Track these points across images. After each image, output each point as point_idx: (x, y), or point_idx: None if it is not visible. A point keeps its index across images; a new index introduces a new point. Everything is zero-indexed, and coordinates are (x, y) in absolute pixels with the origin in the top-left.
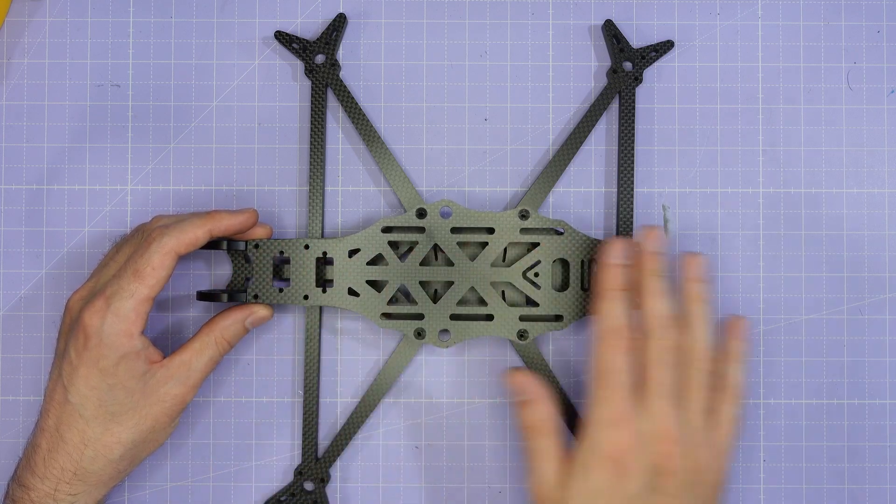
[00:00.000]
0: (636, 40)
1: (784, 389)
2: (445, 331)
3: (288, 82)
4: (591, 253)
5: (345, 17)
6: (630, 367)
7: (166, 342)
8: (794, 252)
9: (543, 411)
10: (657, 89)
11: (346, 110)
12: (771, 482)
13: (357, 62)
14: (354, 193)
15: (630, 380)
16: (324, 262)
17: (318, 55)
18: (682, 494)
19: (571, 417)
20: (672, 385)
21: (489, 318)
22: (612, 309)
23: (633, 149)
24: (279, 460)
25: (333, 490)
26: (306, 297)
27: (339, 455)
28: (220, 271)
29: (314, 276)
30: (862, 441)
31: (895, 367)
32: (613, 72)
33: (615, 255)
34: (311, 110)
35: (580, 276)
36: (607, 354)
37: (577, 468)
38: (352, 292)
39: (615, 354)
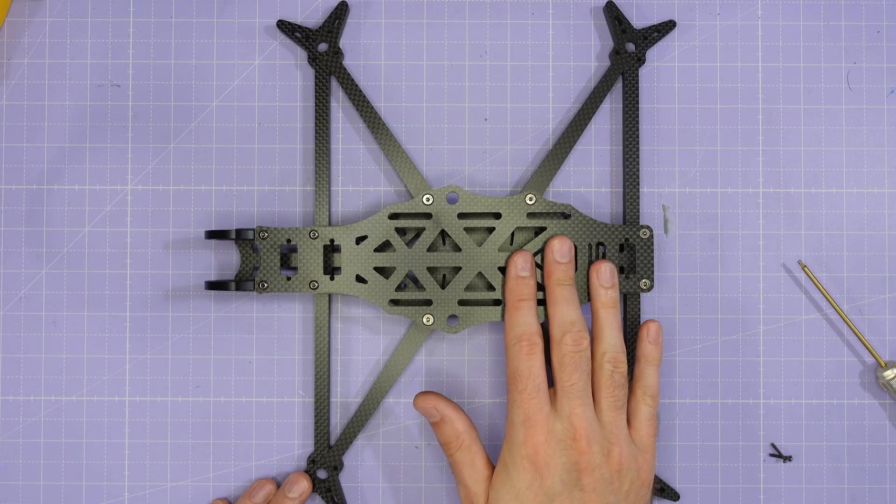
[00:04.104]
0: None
1: (784, 389)
2: (454, 316)
3: (289, 82)
4: (598, 236)
5: (346, 6)
6: (541, 371)
7: (165, 339)
8: (793, 252)
9: (455, 427)
10: (657, 89)
11: (349, 97)
12: (771, 482)
13: (357, 62)
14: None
15: (542, 383)
16: (331, 249)
17: (320, 43)
18: (602, 490)
19: None
20: (582, 386)
21: (497, 303)
22: (521, 317)
23: (637, 129)
24: (280, 460)
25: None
26: (314, 285)
27: (351, 443)
28: (223, 260)
29: (322, 264)
30: (862, 441)
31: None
32: (616, 53)
33: (521, 268)
34: (315, 98)
35: (588, 259)
36: (518, 359)
37: (501, 469)
38: (360, 279)
39: (526, 359)
